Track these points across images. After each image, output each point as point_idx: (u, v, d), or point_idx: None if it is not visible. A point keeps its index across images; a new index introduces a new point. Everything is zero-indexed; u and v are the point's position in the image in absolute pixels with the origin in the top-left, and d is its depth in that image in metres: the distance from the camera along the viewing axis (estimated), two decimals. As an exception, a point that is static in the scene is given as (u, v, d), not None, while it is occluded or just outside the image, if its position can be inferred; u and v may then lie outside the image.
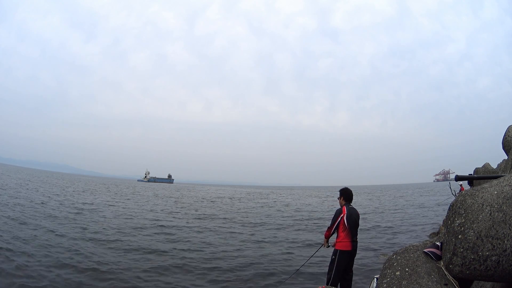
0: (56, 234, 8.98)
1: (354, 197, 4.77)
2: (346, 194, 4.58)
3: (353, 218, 4.37)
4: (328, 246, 4.55)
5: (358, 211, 4.58)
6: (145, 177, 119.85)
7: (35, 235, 8.56)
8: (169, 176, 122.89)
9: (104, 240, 8.69)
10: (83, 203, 18.26)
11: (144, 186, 62.93)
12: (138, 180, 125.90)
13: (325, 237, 4.54)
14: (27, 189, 25.17)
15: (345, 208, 4.40)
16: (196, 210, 18.97)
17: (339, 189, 4.73)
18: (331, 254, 4.44)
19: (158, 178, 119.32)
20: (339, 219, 4.33)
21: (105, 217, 13.14)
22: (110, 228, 10.68)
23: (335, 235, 4.47)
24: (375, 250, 8.56)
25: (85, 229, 10.12)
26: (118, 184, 68.32)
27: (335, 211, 4.49)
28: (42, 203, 16.22)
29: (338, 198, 4.68)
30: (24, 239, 8.02)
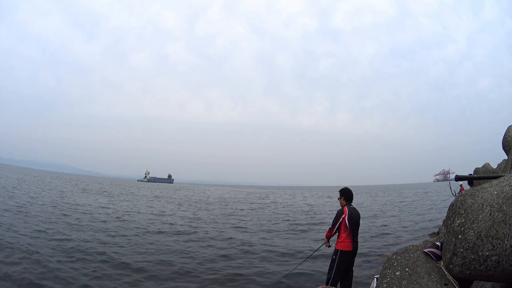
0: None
1: (354, 197, 4.77)
2: (346, 194, 4.56)
3: (354, 218, 4.35)
4: (329, 246, 4.55)
5: (358, 211, 4.58)
6: (145, 177, 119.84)
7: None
8: (169, 176, 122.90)
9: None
10: (75, 204, 18.16)
11: (143, 186, 62.94)
12: (138, 180, 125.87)
13: (326, 237, 4.54)
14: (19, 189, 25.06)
15: (346, 209, 4.38)
16: (196, 212, 18.97)
17: (339, 189, 4.72)
18: (331, 253, 4.45)
19: (158, 178, 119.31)
20: (341, 219, 4.32)
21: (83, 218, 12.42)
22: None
23: (335, 235, 4.47)
24: (375, 250, 8.56)
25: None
26: (117, 184, 68.28)
27: (336, 212, 4.47)
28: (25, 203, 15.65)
29: (338, 199, 4.66)
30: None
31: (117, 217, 13.44)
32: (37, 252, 6.92)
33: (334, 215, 4.44)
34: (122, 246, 8.19)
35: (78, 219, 12.07)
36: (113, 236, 9.36)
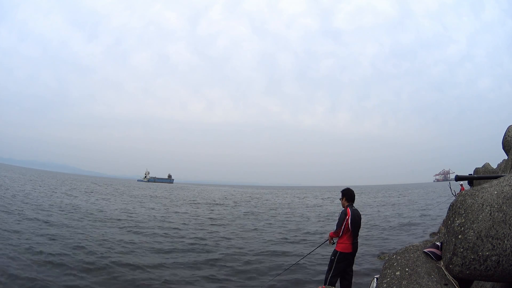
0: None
1: (355, 197, 4.73)
2: (348, 195, 4.51)
3: (356, 220, 4.33)
4: (333, 243, 4.51)
5: (359, 211, 4.56)
6: (145, 177, 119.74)
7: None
8: (169, 176, 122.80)
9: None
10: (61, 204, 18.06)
11: (143, 186, 62.91)
12: (138, 180, 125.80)
13: (330, 236, 4.49)
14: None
15: (349, 210, 4.34)
16: (208, 209, 18.94)
17: (341, 190, 4.67)
18: (331, 252, 4.44)
19: (158, 178, 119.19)
20: (344, 221, 4.28)
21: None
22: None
23: None
24: (375, 250, 8.57)
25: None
26: (115, 184, 68.19)
27: (340, 213, 4.44)
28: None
29: (340, 199, 4.62)
30: None
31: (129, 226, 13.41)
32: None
33: (333, 215, 4.42)
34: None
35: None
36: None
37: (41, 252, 6.92)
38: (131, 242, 8.59)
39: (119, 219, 12.81)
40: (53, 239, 8.25)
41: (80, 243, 8.04)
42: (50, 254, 6.89)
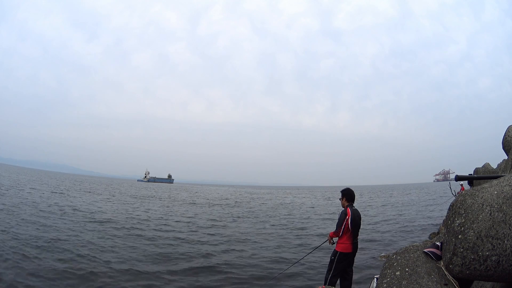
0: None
1: (356, 197, 4.74)
2: (348, 195, 4.53)
3: (356, 220, 4.34)
4: (333, 243, 4.51)
5: (359, 211, 4.56)
6: (145, 177, 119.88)
7: None
8: (169, 176, 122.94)
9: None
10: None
11: (143, 186, 62.90)
12: (138, 180, 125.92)
13: (330, 236, 4.50)
14: None
15: (349, 210, 4.35)
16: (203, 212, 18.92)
17: (341, 190, 4.68)
18: (331, 252, 4.44)
19: (158, 178, 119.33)
20: (344, 221, 4.29)
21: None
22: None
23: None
24: (375, 250, 8.57)
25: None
26: (114, 184, 68.12)
27: (340, 213, 4.44)
28: None
29: (340, 199, 4.63)
30: None
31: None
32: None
33: (334, 215, 4.43)
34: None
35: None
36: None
37: (38, 257, 6.82)
38: (130, 246, 8.48)
39: (118, 220, 12.79)
40: (52, 242, 8.16)
41: (79, 246, 7.97)
42: (48, 258, 6.80)
